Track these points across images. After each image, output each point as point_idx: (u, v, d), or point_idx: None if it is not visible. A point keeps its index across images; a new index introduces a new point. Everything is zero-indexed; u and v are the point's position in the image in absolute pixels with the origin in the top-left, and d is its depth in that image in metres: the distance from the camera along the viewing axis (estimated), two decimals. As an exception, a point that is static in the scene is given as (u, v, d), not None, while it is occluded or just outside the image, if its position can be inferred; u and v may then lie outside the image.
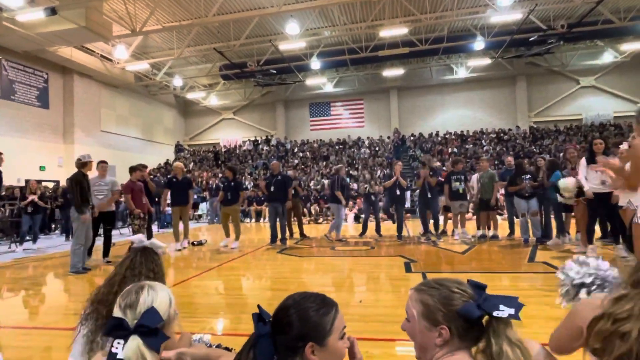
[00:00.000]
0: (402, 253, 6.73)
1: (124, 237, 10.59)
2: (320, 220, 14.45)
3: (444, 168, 11.25)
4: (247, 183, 18.82)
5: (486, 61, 20.23)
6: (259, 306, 1.17)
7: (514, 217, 8.16)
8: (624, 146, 4.21)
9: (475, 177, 8.78)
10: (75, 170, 6.18)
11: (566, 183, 6.21)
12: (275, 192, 8.22)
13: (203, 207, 17.33)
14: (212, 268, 6.03)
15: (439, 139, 22.12)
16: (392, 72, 21.28)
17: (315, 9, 14.73)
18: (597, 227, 6.44)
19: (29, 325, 3.56)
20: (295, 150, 23.39)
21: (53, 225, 13.43)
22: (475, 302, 1.05)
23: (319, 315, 1.10)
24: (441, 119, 23.21)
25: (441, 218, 9.62)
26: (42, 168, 15.89)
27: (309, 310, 1.10)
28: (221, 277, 5.47)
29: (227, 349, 1.77)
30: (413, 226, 10.59)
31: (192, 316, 3.56)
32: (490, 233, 8.25)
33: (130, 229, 7.37)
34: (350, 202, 14.21)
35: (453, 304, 1.07)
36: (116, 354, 1.08)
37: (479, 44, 17.31)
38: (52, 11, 11.45)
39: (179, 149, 25.49)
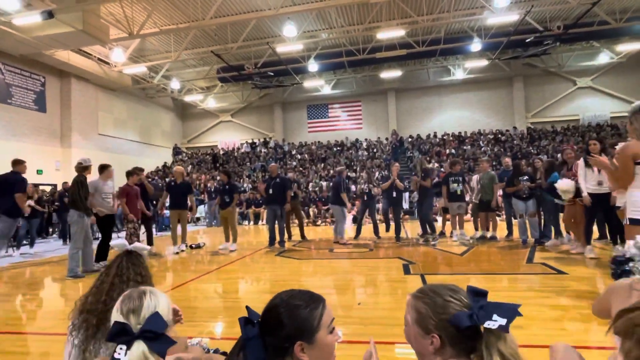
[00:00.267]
0: (401, 255, 6.73)
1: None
2: (319, 222, 14.44)
3: (442, 169, 11.27)
4: (245, 185, 18.80)
5: (483, 62, 20.29)
6: (247, 307, 1.16)
7: (512, 218, 8.18)
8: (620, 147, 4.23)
9: (475, 177, 8.80)
10: (72, 173, 6.19)
11: (565, 185, 6.23)
12: (273, 195, 8.25)
13: (201, 210, 17.29)
14: (211, 271, 6.01)
15: (437, 140, 22.16)
16: (390, 74, 21.33)
17: (313, 12, 14.76)
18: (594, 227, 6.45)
19: (26, 331, 3.54)
20: (294, 152, 23.39)
21: (50, 229, 13.38)
22: (470, 311, 1.03)
23: (307, 311, 1.09)
24: (439, 120, 23.25)
25: (439, 219, 9.63)
26: (39, 172, 15.84)
27: (297, 308, 1.09)
28: (219, 280, 5.45)
29: (224, 353, 1.76)
30: (411, 228, 10.59)
31: (190, 320, 3.54)
32: (489, 234, 8.26)
33: (125, 234, 7.37)
34: (349, 204, 14.18)
35: (445, 312, 1.06)
36: (119, 359, 1.07)
37: (475, 45, 17.37)
38: (49, 14, 11.43)
39: (176, 151, 25.46)
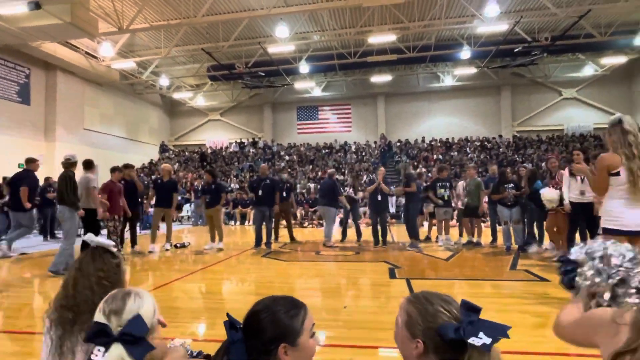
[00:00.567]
0: (387, 259, 6.75)
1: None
2: (306, 224, 14.42)
3: (430, 174, 11.37)
4: (232, 185, 18.67)
5: (472, 70, 20.56)
6: (228, 314, 1.17)
7: (497, 225, 8.29)
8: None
9: (461, 184, 8.89)
10: (56, 168, 6.11)
11: (550, 194, 6.36)
12: (263, 196, 8.15)
13: (187, 208, 17.11)
14: (195, 271, 5.94)
15: (425, 145, 22.37)
16: (380, 78, 21.46)
17: (305, 13, 14.76)
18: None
19: (2, 330, 3.44)
20: (282, 153, 23.33)
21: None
22: (458, 324, 1.04)
23: (289, 317, 1.14)
24: (427, 125, 23.47)
25: (425, 224, 9.70)
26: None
27: (279, 313, 1.14)
28: (204, 281, 5.39)
29: (208, 356, 1.74)
30: (397, 232, 10.64)
31: (172, 320, 3.49)
32: (474, 240, 8.35)
33: (106, 231, 7.24)
34: (348, 206, 14.16)
35: (434, 321, 1.07)
36: None
37: (465, 53, 17.59)
38: (36, 5, 11.19)
39: (163, 149, 25.16)
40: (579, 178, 5.58)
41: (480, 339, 0.98)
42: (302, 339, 1.14)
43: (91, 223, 6.48)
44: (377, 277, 5.43)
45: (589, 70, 21.18)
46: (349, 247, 8.47)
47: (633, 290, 1.28)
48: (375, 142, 23.30)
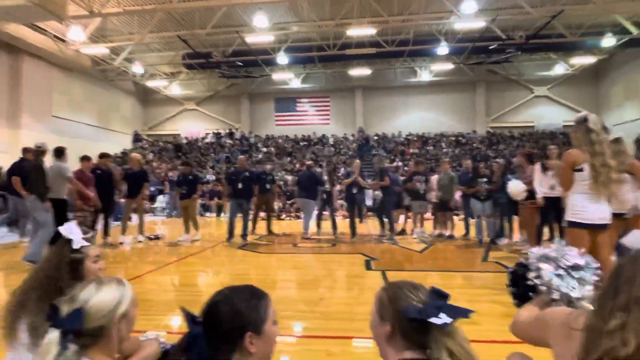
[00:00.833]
0: (363, 251, 6.82)
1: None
2: (284, 216, 14.38)
3: (406, 168, 11.53)
4: (208, 176, 18.39)
5: (449, 66, 20.87)
6: (183, 308, 1.16)
7: (470, 218, 8.51)
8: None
9: (434, 178, 9.06)
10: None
11: (514, 187, 6.61)
12: (242, 189, 7.94)
13: (161, 199, 16.75)
14: (170, 263, 5.84)
15: (402, 139, 22.63)
16: (359, 72, 21.49)
17: (285, 3, 14.57)
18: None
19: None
20: (259, 145, 23.12)
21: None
22: (424, 306, 1.08)
23: (251, 306, 1.14)
24: (404, 120, 23.73)
25: (401, 217, 9.85)
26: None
27: (240, 303, 1.13)
28: (178, 273, 5.31)
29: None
30: (374, 225, 10.76)
31: (145, 313, 3.42)
32: (447, 233, 8.54)
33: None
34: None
35: (400, 304, 1.11)
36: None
37: (442, 49, 17.81)
38: (0, -16, 10.61)
39: (136, 138, 24.47)
40: (550, 173, 5.77)
41: (440, 319, 1.03)
42: (266, 327, 1.14)
43: (61, 214, 6.26)
44: (353, 269, 5.49)
45: (559, 69, 21.87)
46: (326, 239, 8.51)
47: (586, 295, 1.35)
48: (353, 135, 23.40)
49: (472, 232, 8.22)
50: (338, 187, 9.89)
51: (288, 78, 23.28)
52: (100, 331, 1.16)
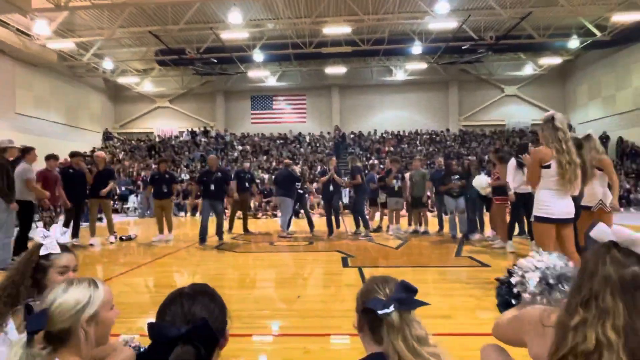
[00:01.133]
0: (340, 248, 6.86)
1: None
2: (260, 215, 14.28)
3: (382, 166, 11.65)
4: (183, 175, 18.05)
5: (423, 65, 21.22)
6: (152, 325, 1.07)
7: (443, 215, 8.70)
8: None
9: (407, 175, 9.20)
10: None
11: (478, 181, 6.93)
12: (215, 191, 7.58)
13: (133, 199, 16.32)
14: (143, 264, 5.71)
15: (377, 137, 22.86)
16: (335, 70, 21.55)
17: (260, 0, 14.44)
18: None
19: None
20: (235, 143, 22.85)
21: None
22: (383, 299, 1.10)
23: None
24: (380, 118, 23.98)
25: (377, 214, 9.96)
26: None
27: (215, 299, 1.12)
28: (152, 274, 5.20)
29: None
30: (350, 222, 10.84)
31: (118, 316, 3.33)
32: (422, 229, 8.70)
33: (41, 223, 6.77)
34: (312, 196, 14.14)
35: (367, 297, 1.15)
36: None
37: (416, 48, 18.10)
38: (-43, -26, 10.06)
39: (107, 136, 23.72)
40: (524, 170, 5.90)
41: (384, 310, 1.06)
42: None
43: (27, 216, 6.02)
44: (330, 267, 5.51)
45: (528, 69, 22.61)
46: (303, 237, 8.51)
47: (558, 294, 1.37)
48: (329, 133, 23.45)
49: (446, 228, 8.40)
50: (315, 185, 9.90)
51: (264, 76, 23.11)
52: (67, 333, 1.12)
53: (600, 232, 0.96)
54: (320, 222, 9.54)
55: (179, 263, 6.00)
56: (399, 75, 23.30)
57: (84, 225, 8.19)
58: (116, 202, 15.41)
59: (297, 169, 9.46)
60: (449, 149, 20.83)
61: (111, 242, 7.65)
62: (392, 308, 1.05)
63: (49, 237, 1.61)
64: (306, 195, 9.63)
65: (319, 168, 17.87)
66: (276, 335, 3.07)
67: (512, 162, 5.98)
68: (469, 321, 3.17)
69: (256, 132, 23.97)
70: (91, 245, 7.29)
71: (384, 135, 23.04)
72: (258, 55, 18.44)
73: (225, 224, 8.67)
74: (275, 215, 13.31)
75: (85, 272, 5.29)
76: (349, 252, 6.50)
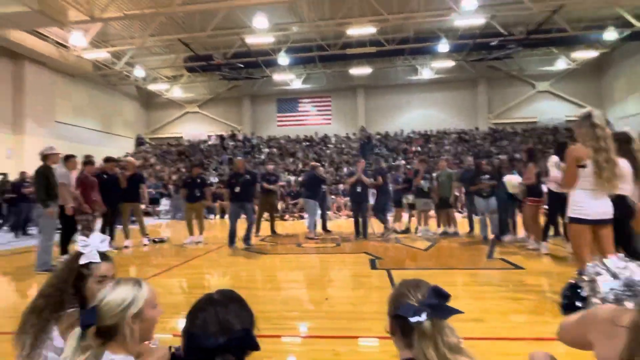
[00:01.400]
0: (367, 250, 6.83)
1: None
2: (287, 217, 14.40)
3: (409, 167, 11.51)
4: (212, 179, 18.44)
5: (450, 63, 20.81)
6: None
7: (474, 216, 8.49)
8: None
9: (433, 176, 9.04)
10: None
11: (509, 180, 6.69)
12: (243, 192, 7.48)
13: (164, 202, 16.80)
14: (175, 266, 5.87)
15: (404, 137, 22.60)
16: (360, 71, 21.48)
17: (284, 4, 14.58)
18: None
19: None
20: (262, 146, 23.15)
21: (1, 221, 12.57)
22: (415, 305, 1.08)
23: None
24: (406, 118, 23.70)
25: (405, 215, 9.85)
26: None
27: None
28: (184, 276, 5.33)
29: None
30: (377, 223, 10.76)
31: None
32: (451, 230, 8.53)
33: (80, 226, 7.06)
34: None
35: (398, 302, 1.14)
36: None
37: (443, 46, 17.76)
38: (1, -8, 10.69)
39: (140, 142, 24.57)
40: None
41: (416, 317, 1.04)
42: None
43: (67, 220, 6.30)
44: (358, 269, 5.49)
45: (561, 64, 21.74)
46: (330, 239, 8.52)
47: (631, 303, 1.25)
48: (354, 135, 23.38)
49: (477, 230, 8.20)
50: (341, 187, 9.91)
51: (289, 79, 23.31)
52: (115, 329, 1.22)
53: None
54: (348, 224, 9.51)
55: (210, 265, 6.13)
56: (426, 74, 22.95)
57: (118, 229, 8.49)
58: (148, 206, 15.92)
59: (321, 170, 9.49)
60: (478, 147, 20.32)
61: (145, 245, 7.91)
62: (424, 316, 1.04)
63: (89, 245, 1.66)
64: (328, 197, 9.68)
65: (345, 169, 17.85)
66: (305, 336, 3.09)
67: (554, 159, 5.57)
68: (501, 325, 3.09)
69: (282, 134, 24.20)
70: (126, 247, 7.56)
71: (410, 135, 22.75)
72: (283, 59, 18.63)
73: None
74: (302, 217, 13.39)
75: (121, 274, 5.47)
76: (377, 254, 6.45)
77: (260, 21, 14.45)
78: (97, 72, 19.65)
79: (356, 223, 8.45)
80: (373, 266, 5.52)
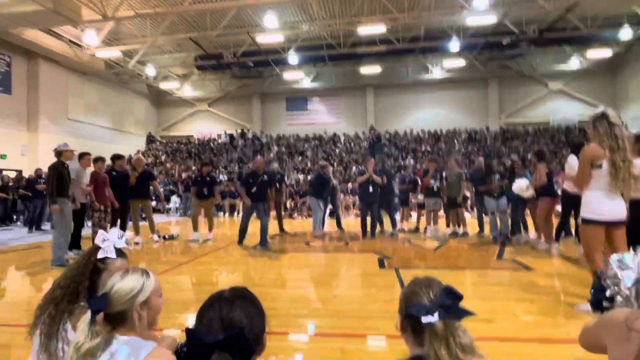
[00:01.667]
0: (376, 249, 6.81)
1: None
2: (295, 215, 14.44)
3: (418, 166, 11.45)
4: (221, 177, 18.56)
5: (461, 62, 20.60)
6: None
7: (484, 216, 8.41)
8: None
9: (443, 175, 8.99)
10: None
11: (519, 184, 6.57)
12: (257, 192, 7.37)
13: (174, 199, 16.97)
14: (184, 263, 5.92)
15: (414, 137, 22.46)
16: (369, 70, 21.39)
17: (294, 2, 14.60)
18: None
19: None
20: (271, 144, 23.20)
21: (15, 217, 12.82)
22: (427, 305, 1.07)
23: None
24: (416, 117, 23.55)
25: (414, 215, 9.80)
26: (3, 156, 15.12)
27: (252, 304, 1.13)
28: (193, 272, 5.38)
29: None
30: (385, 223, 10.73)
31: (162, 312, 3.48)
32: (461, 230, 8.46)
33: (90, 223, 7.16)
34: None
35: (410, 300, 1.13)
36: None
37: (454, 45, 17.59)
38: (17, -9, 10.87)
39: (150, 140, 24.81)
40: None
41: (427, 317, 1.03)
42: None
43: (77, 215, 6.40)
44: (366, 267, 5.49)
45: (575, 63, 21.37)
46: (338, 237, 8.52)
47: None
48: (364, 133, 23.31)
49: (487, 230, 8.13)
50: (350, 185, 9.89)
51: (299, 77, 23.32)
52: (124, 315, 1.28)
53: None
54: (357, 223, 9.51)
55: (218, 262, 6.18)
56: (436, 73, 22.77)
57: (129, 225, 8.59)
58: (158, 203, 16.09)
59: (330, 170, 9.49)
60: (488, 147, 20.12)
61: (155, 241, 7.99)
62: (436, 317, 1.02)
63: (108, 240, 1.68)
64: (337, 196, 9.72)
65: (354, 168, 17.82)
66: (313, 334, 3.09)
67: (573, 158, 5.40)
68: (511, 325, 3.06)
69: (291, 133, 24.22)
70: (136, 243, 7.64)
71: (419, 134, 22.61)
72: (293, 58, 18.65)
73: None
74: (310, 216, 13.41)
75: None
76: (386, 253, 6.43)
77: (270, 20, 14.49)
78: (109, 71, 19.89)
79: (364, 222, 8.36)
80: (381, 265, 5.51)
